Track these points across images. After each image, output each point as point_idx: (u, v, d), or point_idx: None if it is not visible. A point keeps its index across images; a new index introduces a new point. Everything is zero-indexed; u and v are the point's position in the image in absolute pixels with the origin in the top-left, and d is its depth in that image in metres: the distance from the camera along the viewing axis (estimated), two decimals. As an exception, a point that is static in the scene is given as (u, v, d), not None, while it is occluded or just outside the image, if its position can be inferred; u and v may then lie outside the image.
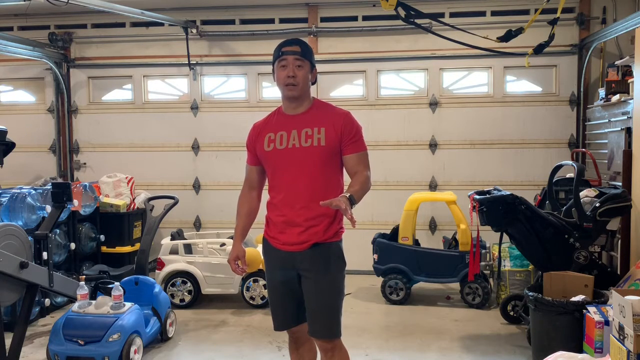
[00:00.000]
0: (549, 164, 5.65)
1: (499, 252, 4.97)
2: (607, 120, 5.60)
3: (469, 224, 5.26)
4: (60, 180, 7.09)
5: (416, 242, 5.82)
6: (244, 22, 7.05)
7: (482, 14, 6.69)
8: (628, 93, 5.11)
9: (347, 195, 2.58)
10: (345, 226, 2.92)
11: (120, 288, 4.14)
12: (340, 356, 2.91)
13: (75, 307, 4.09)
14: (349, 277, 2.98)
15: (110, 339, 3.85)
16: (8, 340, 3.68)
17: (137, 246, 5.51)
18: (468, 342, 4.59)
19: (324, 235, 2.82)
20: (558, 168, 4.84)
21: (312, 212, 2.79)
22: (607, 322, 3.36)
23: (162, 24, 7.00)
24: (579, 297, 3.77)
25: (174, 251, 5.59)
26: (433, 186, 6.85)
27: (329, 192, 2.78)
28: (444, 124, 6.81)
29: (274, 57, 2.88)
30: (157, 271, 5.54)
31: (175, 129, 7.19)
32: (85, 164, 7.40)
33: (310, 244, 2.82)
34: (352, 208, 2.56)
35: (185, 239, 5.77)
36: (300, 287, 2.90)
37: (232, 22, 7.06)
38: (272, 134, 2.89)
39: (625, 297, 2.51)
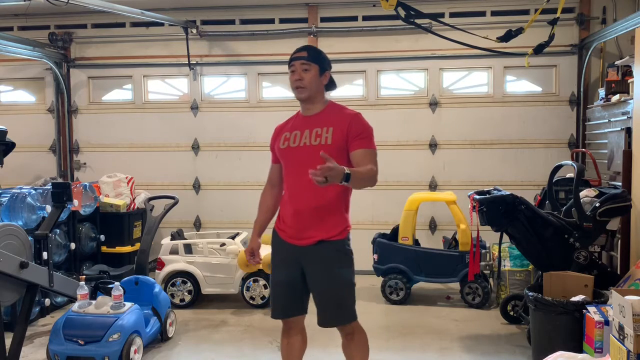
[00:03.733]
0: (549, 164, 5.65)
1: (499, 252, 4.97)
2: (607, 120, 5.60)
3: (469, 224, 5.26)
4: (60, 180, 7.09)
5: (416, 242, 5.82)
6: (244, 22, 7.04)
7: (482, 14, 6.68)
8: (628, 93, 5.11)
9: (346, 170, 2.56)
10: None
11: (120, 288, 4.14)
12: (360, 338, 3.06)
13: (75, 307, 4.08)
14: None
15: (110, 339, 3.85)
16: (8, 340, 3.68)
17: (137, 246, 5.50)
18: (468, 342, 4.59)
19: (328, 232, 2.92)
20: (558, 168, 4.83)
21: (319, 210, 2.90)
22: (607, 322, 3.36)
23: (162, 24, 7.00)
24: (579, 297, 3.77)
25: (174, 251, 5.60)
26: (433, 186, 6.85)
27: (336, 190, 2.89)
28: (444, 124, 6.81)
29: (288, 66, 3.04)
30: (157, 271, 5.55)
31: (175, 129, 7.19)
32: (85, 164, 7.40)
33: (316, 240, 2.92)
34: (342, 182, 2.55)
35: (185, 239, 5.77)
36: (302, 281, 3.00)
37: (232, 22, 7.05)
38: (288, 133, 3.04)
39: (625, 297, 2.51)
